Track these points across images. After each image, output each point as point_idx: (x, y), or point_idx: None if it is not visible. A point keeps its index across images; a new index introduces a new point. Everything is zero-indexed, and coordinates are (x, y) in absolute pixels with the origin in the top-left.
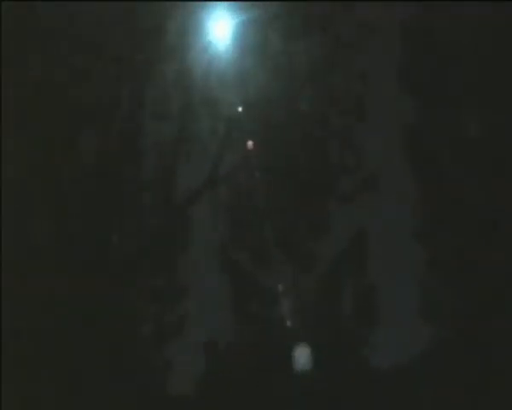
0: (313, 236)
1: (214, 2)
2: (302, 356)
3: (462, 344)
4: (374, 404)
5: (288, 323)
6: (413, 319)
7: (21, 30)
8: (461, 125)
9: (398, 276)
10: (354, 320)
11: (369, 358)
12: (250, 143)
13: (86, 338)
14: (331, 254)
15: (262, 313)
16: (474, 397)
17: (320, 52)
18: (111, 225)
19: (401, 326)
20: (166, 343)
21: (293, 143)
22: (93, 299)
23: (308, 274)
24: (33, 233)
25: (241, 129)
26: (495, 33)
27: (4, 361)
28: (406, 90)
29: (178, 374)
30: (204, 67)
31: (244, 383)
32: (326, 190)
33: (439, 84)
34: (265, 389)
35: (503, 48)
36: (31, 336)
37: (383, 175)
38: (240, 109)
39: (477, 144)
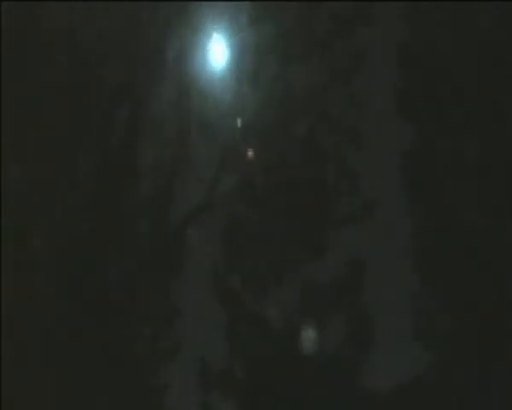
0: (308, 260)
1: (212, 24)
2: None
3: (459, 369)
4: None
5: (283, 347)
6: (409, 344)
7: (21, 36)
8: (460, 151)
9: (394, 301)
10: (350, 344)
11: (365, 382)
12: (250, 154)
13: (79, 361)
14: (327, 279)
15: (256, 338)
16: None
17: (317, 77)
18: (105, 247)
19: (397, 350)
20: (160, 367)
21: (290, 166)
22: (86, 321)
23: (303, 299)
24: (30, 251)
25: (238, 153)
26: (496, 58)
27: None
28: (404, 116)
29: (173, 397)
30: (201, 91)
31: (238, 405)
32: (322, 215)
33: (438, 109)
34: None
35: (504, 72)
36: (23, 358)
37: (380, 201)
38: (236, 133)
39: (476, 170)
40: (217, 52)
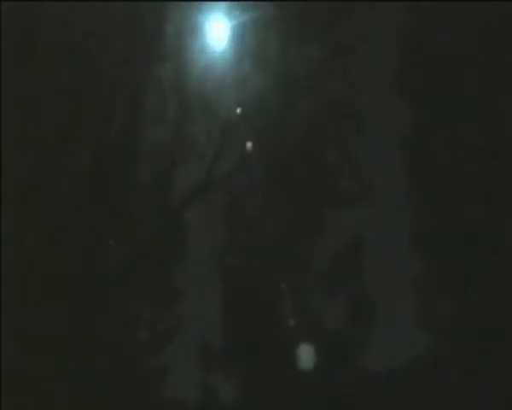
0: (309, 240)
1: (212, 4)
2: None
3: (458, 350)
4: (371, 408)
5: (284, 328)
6: (409, 325)
7: (21, 32)
8: (459, 134)
9: (394, 282)
10: (350, 326)
11: (366, 362)
12: (249, 145)
13: (80, 343)
14: (327, 259)
15: (258, 318)
16: (471, 402)
17: (318, 57)
18: (106, 229)
19: (397, 332)
20: (162, 348)
21: (290, 147)
22: (87, 303)
23: (304, 279)
24: (29, 237)
25: (238, 133)
26: (495, 40)
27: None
28: (404, 99)
29: (174, 378)
30: (201, 70)
31: (240, 387)
32: (322, 195)
33: (438, 92)
34: (261, 395)
35: (503, 55)
36: (24, 341)
37: (380, 183)
38: (237, 113)
39: (476, 153)
40: (217, 32)
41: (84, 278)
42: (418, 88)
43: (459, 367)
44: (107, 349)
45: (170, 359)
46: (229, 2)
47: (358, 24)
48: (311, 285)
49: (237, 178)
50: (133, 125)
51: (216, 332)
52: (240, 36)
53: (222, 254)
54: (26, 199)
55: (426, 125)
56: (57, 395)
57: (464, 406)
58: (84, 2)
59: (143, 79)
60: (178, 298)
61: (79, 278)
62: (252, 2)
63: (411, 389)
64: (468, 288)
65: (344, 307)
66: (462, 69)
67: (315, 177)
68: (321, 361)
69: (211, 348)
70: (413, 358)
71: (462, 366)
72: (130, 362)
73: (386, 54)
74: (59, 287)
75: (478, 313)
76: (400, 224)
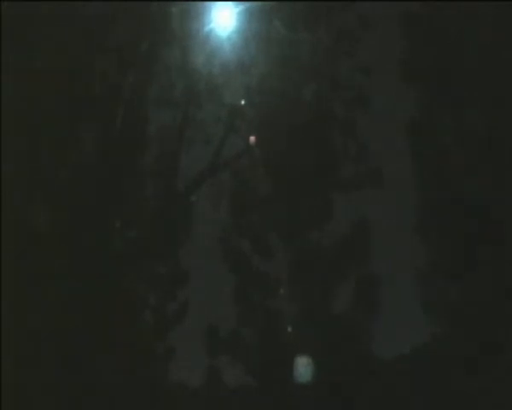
0: (315, 224)
1: None
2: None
3: (463, 335)
4: (376, 393)
5: (289, 311)
6: (414, 310)
7: (22, 20)
8: (463, 117)
9: (399, 267)
10: (356, 310)
11: (371, 348)
12: (252, 139)
13: (87, 326)
14: (333, 243)
15: (263, 300)
16: (475, 387)
17: (323, 41)
18: (113, 212)
19: (403, 317)
20: (168, 331)
21: (296, 131)
22: (94, 286)
23: (309, 263)
24: (34, 220)
25: (244, 116)
26: (497, 24)
27: (4, 346)
28: (409, 82)
29: (179, 362)
30: (208, 54)
31: (245, 369)
32: (328, 178)
33: (442, 75)
34: (266, 376)
35: (506, 39)
36: (30, 322)
37: (386, 166)
38: (243, 97)
39: (480, 137)
40: (223, 15)
41: (90, 261)
42: (424, 72)
43: (464, 354)
44: (114, 333)
45: (176, 343)
46: None
47: (363, 8)
48: (317, 269)
49: (244, 161)
50: (140, 108)
51: (222, 315)
52: (245, 20)
53: (228, 237)
54: (30, 181)
55: (432, 110)
56: (60, 377)
57: (470, 392)
58: None
59: (151, 64)
60: (185, 281)
61: (86, 262)
62: None
63: (417, 375)
64: (474, 274)
65: (350, 293)
66: (468, 52)
67: (321, 161)
68: (327, 346)
69: (217, 332)
70: (419, 344)
71: (468, 352)
72: (135, 346)
73: (391, 37)
74: (65, 271)
75: (484, 298)
76: (407, 209)
